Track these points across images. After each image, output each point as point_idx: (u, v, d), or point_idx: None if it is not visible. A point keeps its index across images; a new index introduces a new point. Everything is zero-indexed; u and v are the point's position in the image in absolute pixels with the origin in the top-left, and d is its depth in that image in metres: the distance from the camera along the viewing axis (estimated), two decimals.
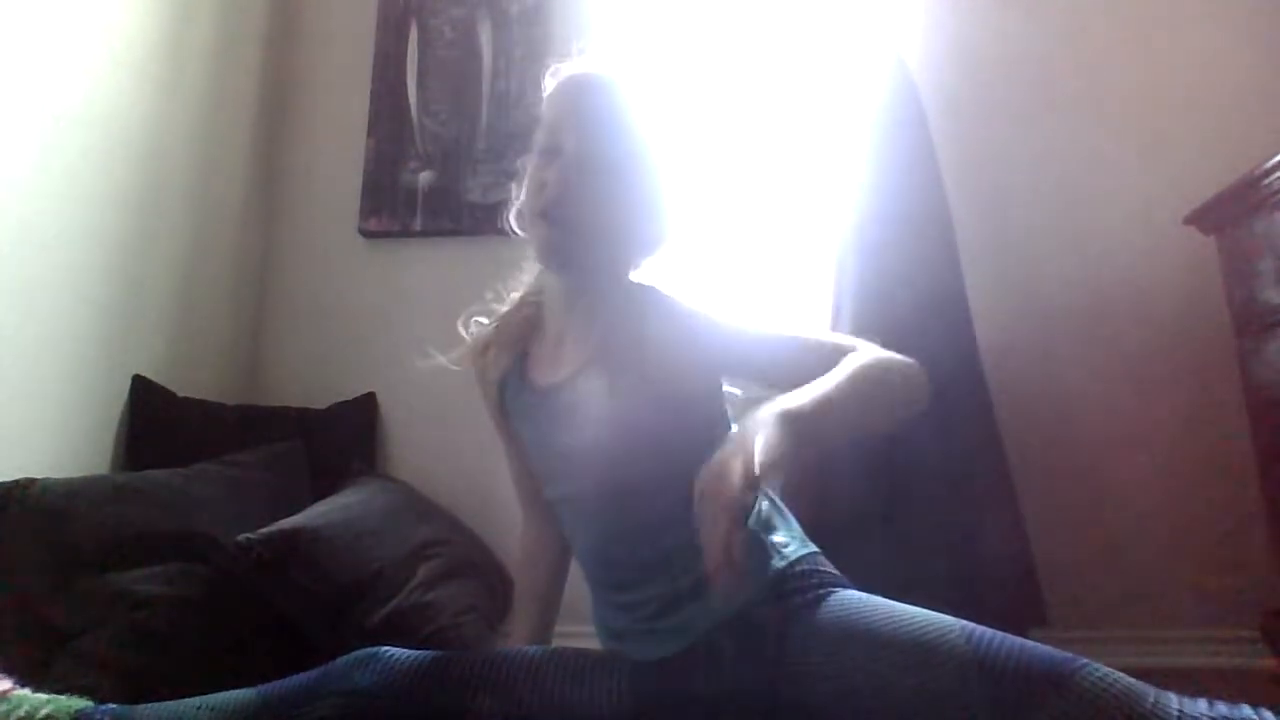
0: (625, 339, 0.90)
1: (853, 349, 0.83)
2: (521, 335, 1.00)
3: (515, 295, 1.02)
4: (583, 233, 0.90)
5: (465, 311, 1.02)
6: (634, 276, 0.95)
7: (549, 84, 0.95)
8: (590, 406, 0.89)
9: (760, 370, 0.88)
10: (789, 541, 0.91)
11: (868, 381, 0.78)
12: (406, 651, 0.86)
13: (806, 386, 0.75)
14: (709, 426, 0.91)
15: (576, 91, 0.93)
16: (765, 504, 0.94)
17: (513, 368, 0.99)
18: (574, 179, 0.89)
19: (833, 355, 0.82)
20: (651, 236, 0.95)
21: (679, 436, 0.87)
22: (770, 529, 0.91)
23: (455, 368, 1.00)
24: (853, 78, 1.66)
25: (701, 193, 0.99)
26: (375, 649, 0.86)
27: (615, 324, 0.91)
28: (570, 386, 0.91)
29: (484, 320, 1.02)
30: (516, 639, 1.01)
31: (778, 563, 0.87)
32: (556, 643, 0.91)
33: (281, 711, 0.80)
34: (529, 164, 0.95)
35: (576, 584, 0.97)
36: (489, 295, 1.03)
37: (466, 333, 1.02)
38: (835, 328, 1.56)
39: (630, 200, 0.91)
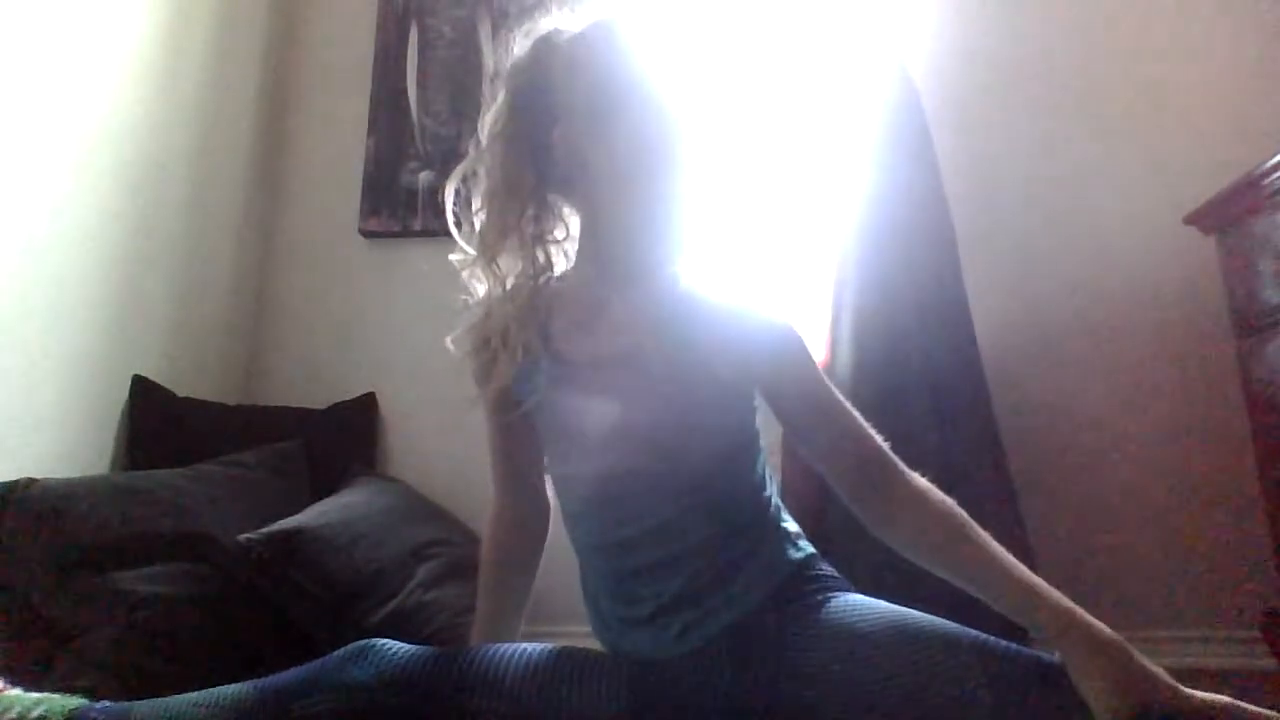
0: (671, 337, 0.86)
1: (884, 453, 0.82)
2: (548, 311, 0.91)
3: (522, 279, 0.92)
4: (670, 214, 0.87)
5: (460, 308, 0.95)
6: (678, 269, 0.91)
7: (546, 44, 0.89)
8: (627, 391, 0.85)
9: (776, 409, 0.88)
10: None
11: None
12: (402, 645, 0.84)
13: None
14: (740, 429, 0.90)
15: (621, 42, 0.86)
16: (778, 500, 0.93)
17: (537, 344, 0.89)
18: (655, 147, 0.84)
19: (856, 443, 0.83)
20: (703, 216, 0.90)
21: (705, 431, 0.86)
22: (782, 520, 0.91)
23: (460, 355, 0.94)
24: (855, 84, 1.66)
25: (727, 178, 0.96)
26: (370, 641, 0.83)
27: (663, 321, 0.87)
28: (609, 367, 0.86)
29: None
30: (482, 628, 0.96)
31: (794, 554, 0.87)
32: (556, 643, 0.90)
33: (277, 706, 0.79)
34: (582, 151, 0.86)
35: (574, 586, 0.96)
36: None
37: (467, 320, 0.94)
38: (836, 329, 1.56)
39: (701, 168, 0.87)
